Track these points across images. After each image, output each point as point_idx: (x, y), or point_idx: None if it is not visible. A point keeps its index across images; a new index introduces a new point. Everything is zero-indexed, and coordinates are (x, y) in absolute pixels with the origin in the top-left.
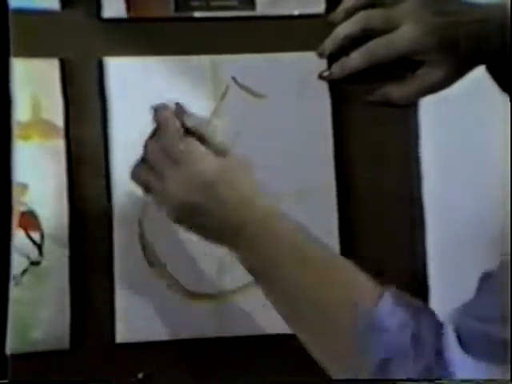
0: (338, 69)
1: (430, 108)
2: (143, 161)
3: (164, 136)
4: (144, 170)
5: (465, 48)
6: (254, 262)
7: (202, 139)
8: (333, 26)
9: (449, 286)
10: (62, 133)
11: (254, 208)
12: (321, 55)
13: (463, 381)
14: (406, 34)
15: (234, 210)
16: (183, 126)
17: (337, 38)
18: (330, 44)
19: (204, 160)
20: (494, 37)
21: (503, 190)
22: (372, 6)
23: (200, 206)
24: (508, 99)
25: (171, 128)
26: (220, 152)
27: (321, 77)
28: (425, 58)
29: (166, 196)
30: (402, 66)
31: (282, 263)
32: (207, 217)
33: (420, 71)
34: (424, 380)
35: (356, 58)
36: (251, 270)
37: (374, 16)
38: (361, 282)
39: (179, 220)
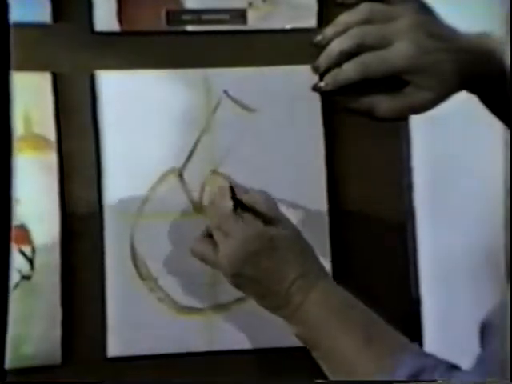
0: (330, 80)
1: (421, 122)
2: (202, 236)
3: (217, 211)
4: (201, 244)
5: (450, 73)
6: (300, 330)
7: (252, 210)
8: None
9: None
10: (53, 146)
11: (299, 277)
12: (316, 70)
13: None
14: (399, 52)
15: (280, 280)
16: (234, 199)
17: (332, 53)
18: (324, 59)
19: (251, 230)
20: (480, 65)
21: (495, 203)
22: (365, 22)
23: (247, 275)
24: (501, 123)
25: (223, 203)
26: (269, 221)
27: (314, 89)
28: (412, 78)
29: (220, 267)
30: (390, 83)
31: (326, 331)
32: (256, 285)
33: (407, 90)
34: (424, 381)
35: (349, 70)
36: (298, 336)
37: (368, 32)
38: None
39: (235, 287)
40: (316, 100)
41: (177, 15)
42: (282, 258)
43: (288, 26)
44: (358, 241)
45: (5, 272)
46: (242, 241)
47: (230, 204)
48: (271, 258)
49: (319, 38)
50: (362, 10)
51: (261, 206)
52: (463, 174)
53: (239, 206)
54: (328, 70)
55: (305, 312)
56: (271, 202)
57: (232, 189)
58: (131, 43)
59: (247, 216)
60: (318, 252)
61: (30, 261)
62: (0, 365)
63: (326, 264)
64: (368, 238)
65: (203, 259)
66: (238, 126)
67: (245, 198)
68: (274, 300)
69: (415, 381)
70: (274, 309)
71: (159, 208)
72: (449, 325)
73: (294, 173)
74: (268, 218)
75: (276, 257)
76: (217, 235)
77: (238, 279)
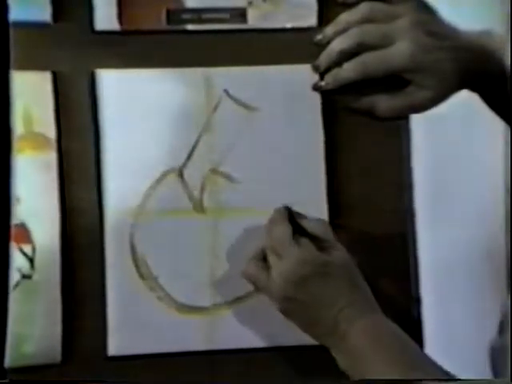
0: (331, 80)
1: (421, 121)
2: (256, 258)
3: (274, 234)
4: (254, 266)
5: (451, 72)
6: (345, 360)
7: (308, 235)
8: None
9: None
10: (53, 145)
11: (347, 306)
12: (316, 69)
13: (463, 381)
14: (401, 51)
15: (328, 307)
16: (292, 223)
17: (332, 53)
18: (325, 58)
19: (306, 254)
20: (480, 64)
21: (495, 202)
22: (366, 21)
23: (296, 299)
24: (502, 121)
25: (280, 227)
26: (324, 248)
27: (314, 88)
28: (413, 77)
29: (270, 290)
30: (390, 82)
31: (371, 363)
32: (304, 311)
33: (408, 89)
34: (426, 380)
35: (349, 70)
36: (343, 366)
37: (369, 31)
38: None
39: (283, 312)
40: (316, 99)
41: (177, 14)
42: (333, 284)
43: (288, 25)
44: (357, 241)
45: (5, 271)
46: (295, 264)
47: (288, 228)
48: (322, 283)
49: (320, 37)
50: (362, 10)
51: (318, 233)
52: (463, 174)
53: (297, 230)
54: (328, 69)
55: (350, 342)
56: (328, 229)
57: (290, 212)
58: (131, 43)
59: (303, 240)
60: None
61: (30, 260)
62: (0, 363)
63: None
64: (368, 238)
65: (254, 282)
66: (239, 125)
67: (303, 223)
68: (321, 327)
69: (417, 380)
70: (321, 336)
71: (159, 207)
72: (449, 324)
73: (293, 172)
74: (323, 244)
75: (327, 283)
76: (271, 258)
77: (287, 303)
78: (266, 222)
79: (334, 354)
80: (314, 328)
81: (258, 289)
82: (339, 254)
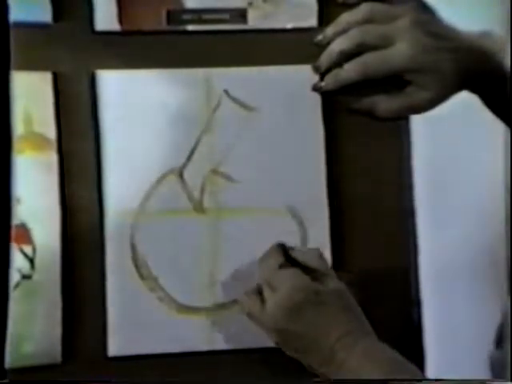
0: (331, 80)
1: (421, 121)
2: (252, 291)
3: (266, 266)
4: (250, 299)
5: (451, 73)
6: None
7: (301, 266)
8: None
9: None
10: (54, 146)
11: (344, 335)
12: (317, 70)
13: (464, 381)
14: (401, 52)
15: (324, 336)
16: (286, 256)
17: (332, 53)
18: (325, 59)
19: (298, 282)
20: (480, 65)
21: (495, 202)
22: (366, 22)
23: (291, 330)
24: (502, 123)
25: (272, 260)
26: (317, 277)
27: (314, 89)
28: (413, 77)
29: (265, 322)
30: (390, 82)
31: None
32: (299, 341)
33: (408, 90)
34: (426, 380)
35: (349, 71)
36: None
37: (369, 32)
38: None
39: (278, 344)
40: (316, 100)
41: (177, 15)
42: (327, 313)
43: (288, 26)
44: (358, 241)
45: (5, 271)
46: (287, 293)
47: (280, 259)
48: (316, 312)
49: (320, 37)
50: (362, 10)
51: (311, 262)
52: (463, 174)
53: (290, 261)
54: (329, 69)
55: (348, 369)
56: (321, 258)
57: (284, 247)
58: (131, 43)
59: (295, 270)
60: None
61: (31, 260)
62: (0, 364)
63: None
64: (368, 238)
65: (249, 314)
66: (239, 125)
67: (295, 254)
68: (318, 357)
69: (416, 379)
70: (318, 366)
71: (159, 207)
72: (449, 325)
73: (293, 172)
74: (316, 273)
75: (321, 312)
76: (266, 291)
77: (282, 335)
78: (260, 257)
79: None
80: (310, 358)
81: (253, 321)
82: (332, 282)
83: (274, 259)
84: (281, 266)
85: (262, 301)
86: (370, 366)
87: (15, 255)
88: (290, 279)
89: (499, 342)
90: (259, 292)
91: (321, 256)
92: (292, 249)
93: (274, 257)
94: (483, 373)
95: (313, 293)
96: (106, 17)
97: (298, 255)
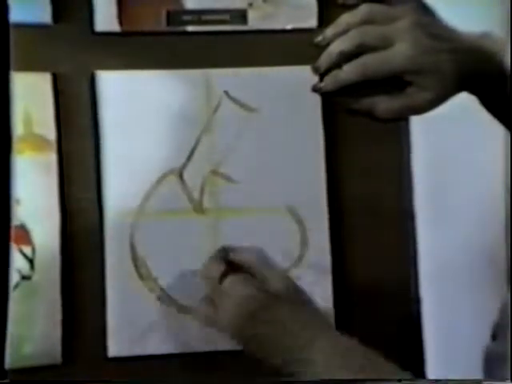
0: (330, 81)
1: (421, 122)
2: (204, 299)
3: (210, 276)
4: (203, 306)
5: (451, 74)
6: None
7: (244, 269)
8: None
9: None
10: (53, 147)
11: (301, 331)
12: (316, 71)
13: (463, 380)
14: (401, 52)
15: (280, 336)
16: (226, 262)
17: (332, 54)
18: (325, 60)
19: (245, 291)
20: (480, 66)
21: (496, 203)
22: (366, 23)
23: (247, 336)
24: (501, 125)
25: (215, 267)
26: (263, 278)
27: (314, 89)
28: (413, 78)
29: (221, 329)
30: (390, 83)
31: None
32: (259, 345)
33: (408, 91)
34: (424, 380)
35: (349, 72)
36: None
37: (369, 33)
38: None
39: (243, 347)
40: (316, 100)
41: (177, 15)
42: (280, 313)
43: (288, 27)
44: (358, 241)
45: (5, 272)
46: (237, 303)
47: (221, 268)
48: (270, 314)
49: (319, 38)
50: (362, 11)
51: (253, 265)
52: (463, 174)
53: (231, 267)
54: (328, 70)
55: (312, 365)
56: (263, 258)
57: (224, 251)
58: (131, 43)
59: (240, 277)
60: (317, 252)
61: (30, 261)
62: (0, 364)
63: (326, 264)
64: (368, 238)
65: (206, 322)
66: (239, 126)
67: (237, 260)
68: (279, 357)
69: (416, 379)
70: (284, 366)
71: (159, 208)
72: (449, 325)
73: (293, 173)
74: (262, 275)
75: (274, 313)
76: (215, 298)
77: (241, 341)
78: (200, 269)
79: (300, 379)
80: (274, 359)
81: (210, 327)
82: (278, 280)
83: (216, 269)
84: (224, 275)
85: (216, 309)
86: (335, 357)
87: (15, 256)
88: (235, 288)
89: (495, 335)
90: (210, 301)
91: (261, 255)
92: (233, 250)
93: (215, 266)
94: (482, 372)
95: (262, 297)
96: (105, 17)
97: (239, 258)
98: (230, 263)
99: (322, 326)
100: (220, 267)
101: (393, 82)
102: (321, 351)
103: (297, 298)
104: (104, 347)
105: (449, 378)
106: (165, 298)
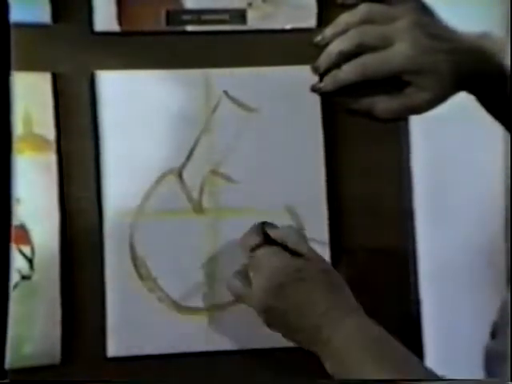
0: (329, 81)
1: (421, 122)
2: (238, 272)
3: (246, 247)
4: (235, 280)
5: (450, 74)
6: (331, 365)
7: (280, 244)
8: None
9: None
10: (53, 147)
11: (329, 311)
12: (316, 70)
13: (463, 380)
14: (400, 52)
15: (308, 313)
16: (263, 234)
17: (331, 54)
18: (324, 60)
19: (278, 262)
20: (480, 66)
21: (495, 202)
22: (365, 23)
23: (276, 309)
24: (500, 125)
25: (252, 239)
26: (297, 254)
27: (313, 89)
28: (413, 78)
29: (252, 302)
30: (389, 83)
31: (358, 365)
32: (286, 320)
33: (407, 91)
34: (425, 380)
35: (348, 72)
36: (330, 370)
37: (368, 32)
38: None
39: (267, 324)
40: (316, 100)
41: (176, 15)
42: (310, 289)
43: (288, 27)
44: (357, 241)
45: (5, 272)
46: (269, 273)
47: (258, 239)
48: (300, 289)
49: (319, 38)
50: (361, 11)
51: (290, 240)
52: (463, 174)
53: (268, 240)
54: (328, 70)
55: (334, 346)
56: (300, 235)
57: (262, 225)
58: (131, 43)
59: (274, 249)
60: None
61: (30, 261)
62: (0, 364)
63: None
64: (368, 238)
65: (236, 295)
66: (238, 125)
67: (274, 233)
68: (304, 334)
69: (417, 380)
70: (305, 343)
71: (159, 208)
72: (449, 325)
73: (293, 173)
74: (297, 251)
75: (304, 288)
76: (250, 272)
77: (268, 314)
78: (240, 238)
79: (321, 360)
80: (297, 335)
81: (241, 303)
82: (313, 258)
83: (252, 239)
84: (258, 246)
85: (249, 282)
86: (356, 344)
87: (14, 256)
88: (269, 259)
89: (494, 333)
90: (245, 273)
91: (298, 233)
92: (272, 227)
93: (252, 237)
94: (482, 371)
95: (294, 270)
96: (105, 17)
97: (275, 233)
98: (268, 237)
99: (350, 309)
100: (257, 238)
101: (392, 82)
102: (344, 334)
103: (328, 279)
104: (103, 347)
105: (449, 377)
106: (164, 298)
